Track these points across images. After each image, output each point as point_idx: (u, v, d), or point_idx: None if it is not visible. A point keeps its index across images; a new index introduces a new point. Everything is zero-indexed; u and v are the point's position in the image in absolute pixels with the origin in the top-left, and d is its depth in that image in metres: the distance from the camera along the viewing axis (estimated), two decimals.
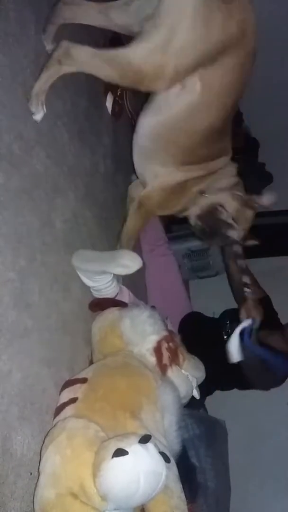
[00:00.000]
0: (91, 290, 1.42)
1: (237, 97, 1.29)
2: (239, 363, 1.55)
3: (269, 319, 1.96)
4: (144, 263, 2.12)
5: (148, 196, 1.55)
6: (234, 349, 1.51)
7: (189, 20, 1.07)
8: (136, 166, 1.54)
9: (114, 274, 1.41)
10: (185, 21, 1.07)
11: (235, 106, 1.34)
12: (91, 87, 1.65)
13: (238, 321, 1.78)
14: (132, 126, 2.29)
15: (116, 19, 1.32)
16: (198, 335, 1.84)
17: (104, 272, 1.34)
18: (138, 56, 1.11)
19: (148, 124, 1.37)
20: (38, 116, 1.16)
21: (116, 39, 1.75)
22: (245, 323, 1.52)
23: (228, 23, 1.10)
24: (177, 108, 1.27)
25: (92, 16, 1.34)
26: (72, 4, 1.31)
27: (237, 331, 1.52)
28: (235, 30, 1.12)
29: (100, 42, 1.75)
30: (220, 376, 1.75)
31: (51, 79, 1.16)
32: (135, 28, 1.27)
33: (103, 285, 1.40)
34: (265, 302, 2.05)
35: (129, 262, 1.29)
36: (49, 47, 1.27)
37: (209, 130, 1.33)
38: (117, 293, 1.49)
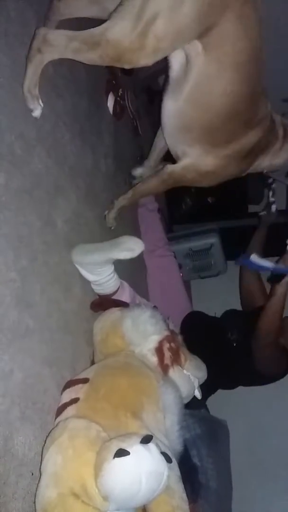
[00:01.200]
0: (92, 285, 1.41)
1: (253, 57, 1.18)
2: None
3: None
4: (145, 264, 2.15)
5: (180, 173, 1.50)
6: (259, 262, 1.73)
7: None
8: (168, 145, 1.49)
9: (114, 269, 1.41)
10: None
11: (257, 69, 1.22)
12: (92, 87, 1.65)
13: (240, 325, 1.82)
14: (133, 127, 2.30)
15: (111, 8, 1.24)
16: (200, 334, 1.84)
17: (107, 263, 1.34)
18: (114, 30, 1.06)
19: (169, 104, 1.32)
20: (37, 112, 1.14)
21: None
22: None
23: None
24: (192, 81, 1.22)
25: (87, 8, 1.31)
26: None
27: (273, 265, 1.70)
28: None
29: None
30: (223, 374, 1.75)
31: (36, 70, 1.12)
32: None
33: (104, 277, 1.39)
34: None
35: (133, 245, 1.29)
36: None
37: (231, 99, 1.24)
38: (118, 287, 1.48)
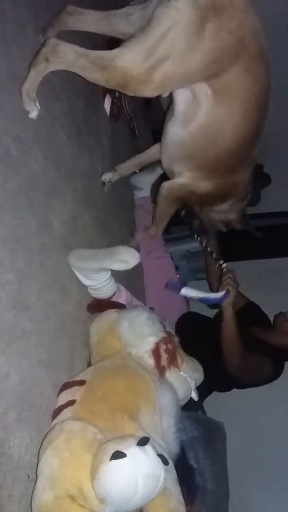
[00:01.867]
0: (89, 289, 1.41)
1: (259, 103, 1.27)
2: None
3: (261, 320, 1.99)
4: (141, 266, 2.15)
5: (177, 189, 1.57)
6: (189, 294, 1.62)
7: (179, 30, 1.08)
8: (164, 164, 1.57)
9: (111, 273, 1.41)
10: (174, 30, 1.08)
11: (263, 112, 1.31)
12: (89, 88, 1.65)
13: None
14: (130, 128, 2.30)
15: (117, 27, 1.35)
16: (194, 335, 1.84)
17: (102, 270, 1.34)
18: (125, 59, 1.11)
19: (175, 133, 1.40)
20: (33, 114, 1.15)
21: (114, 41, 1.75)
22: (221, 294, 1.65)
23: (220, 34, 1.10)
24: (200, 119, 1.29)
25: (94, 24, 1.37)
26: (76, 14, 1.33)
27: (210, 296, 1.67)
28: (228, 39, 1.11)
29: (99, 44, 1.75)
30: (217, 376, 1.75)
31: (39, 76, 1.14)
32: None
33: (100, 283, 1.39)
34: (251, 307, 2.08)
35: (127, 257, 1.28)
36: None
37: (236, 140, 1.33)
38: (115, 292, 1.48)
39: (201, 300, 1.68)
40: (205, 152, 1.39)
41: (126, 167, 1.91)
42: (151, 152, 1.80)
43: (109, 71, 1.12)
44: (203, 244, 1.95)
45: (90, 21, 1.35)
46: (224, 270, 1.75)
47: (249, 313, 2.06)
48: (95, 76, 1.15)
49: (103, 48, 1.77)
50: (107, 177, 1.83)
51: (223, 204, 1.70)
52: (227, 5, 1.09)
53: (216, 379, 1.73)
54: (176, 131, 1.39)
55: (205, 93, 1.23)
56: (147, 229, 1.90)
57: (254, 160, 1.53)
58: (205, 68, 1.15)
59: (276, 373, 1.87)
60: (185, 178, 1.52)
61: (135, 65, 1.11)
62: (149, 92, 1.18)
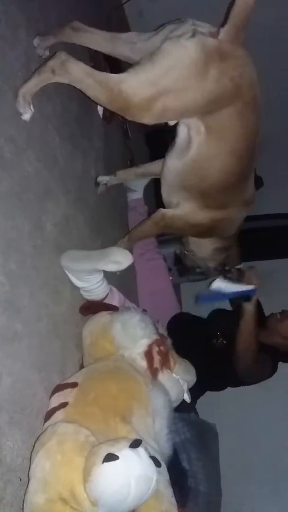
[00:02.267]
0: (81, 291, 1.41)
1: (248, 145, 1.35)
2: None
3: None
4: (134, 268, 2.15)
5: (171, 218, 1.64)
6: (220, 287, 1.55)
7: (185, 69, 1.14)
8: (163, 194, 1.64)
9: (103, 275, 1.41)
10: (180, 68, 1.14)
11: (251, 154, 1.39)
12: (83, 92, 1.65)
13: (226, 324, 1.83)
14: (123, 130, 2.31)
15: (121, 51, 1.39)
16: (187, 334, 1.85)
17: (95, 271, 1.34)
18: (129, 84, 1.15)
19: (172, 164, 1.47)
20: (26, 116, 1.16)
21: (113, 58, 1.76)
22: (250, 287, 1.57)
23: (222, 79, 1.17)
24: (192, 153, 1.36)
25: (98, 44, 1.40)
26: (81, 31, 1.36)
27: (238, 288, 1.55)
28: (229, 85, 1.18)
29: (92, 51, 1.75)
30: (209, 376, 1.76)
31: (40, 84, 1.17)
32: (135, 60, 1.33)
33: (93, 285, 1.39)
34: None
35: (120, 258, 1.29)
36: (41, 53, 1.28)
37: (224, 176, 1.41)
38: (108, 294, 1.49)
39: (233, 294, 1.59)
40: (197, 184, 1.46)
41: (126, 174, 1.94)
42: (154, 167, 1.83)
43: (113, 94, 1.16)
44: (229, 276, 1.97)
45: (94, 39, 1.39)
46: (244, 269, 1.72)
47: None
48: (99, 97, 1.19)
49: (96, 56, 1.78)
50: (104, 179, 1.84)
51: (207, 247, 1.79)
52: (232, 54, 1.17)
53: (209, 379, 1.74)
54: (173, 162, 1.46)
55: (198, 128, 1.29)
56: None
57: (249, 200, 1.60)
58: (202, 106, 1.21)
59: (273, 372, 1.88)
60: (181, 209, 1.58)
61: (137, 92, 1.16)
62: (147, 119, 1.22)
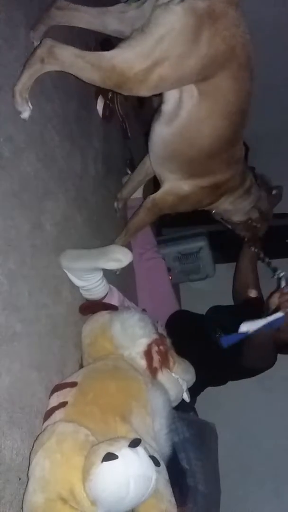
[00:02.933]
0: (81, 290, 1.41)
1: (240, 109, 1.33)
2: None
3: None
4: (133, 267, 2.15)
5: (161, 199, 1.62)
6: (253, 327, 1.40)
7: (177, 35, 1.12)
8: (153, 167, 1.61)
9: (103, 274, 1.41)
10: (172, 35, 1.11)
11: (242, 119, 1.37)
12: (82, 90, 1.65)
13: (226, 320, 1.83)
14: (123, 130, 2.30)
15: (110, 25, 1.35)
16: (185, 331, 1.85)
17: (95, 269, 1.34)
18: (122, 59, 1.13)
19: (159, 132, 1.43)
20: (25, 114, 1.15)
21: (107, 42, 1.75)
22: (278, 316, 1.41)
23: (216, 40, 1.15)
24: (182, 119, 1.33)
25: (86, 21, 1.36)
26: (66, 9, 1.32)
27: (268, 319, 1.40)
28: (223, 46, 1.16)
29: (91, 45, 1.75)
30: (211, 368, 1.76)
31: (33, 77, 1.15)
32: (123, 32, 1.31)
33: (92, 284, 1.39)
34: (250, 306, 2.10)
35: (120, 256, 1.28)
36: (37, 44, 1.27)
37: (215, 140, 1.38)
38: (107, 293, 1.48)
39: (260, 329, 1.41)
40: (185, 151, 1.43)
41: (127, 191, 2.00)
42: (145, 167, 1.83)
43: (106, 71, 1.13)
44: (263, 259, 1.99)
45: (81, 17, 1.34)
46: (283, 287, 1.61)
47: (247, 310, 2.08)
48: (92, 77, 1.16)
49: (95, 49, 1.78)
50: (115, 205, 1.97)
51: (224, 204, 1.73)
52: (223, 15, 1.13)
53: (210, 373, 1.74)
54: (160, 130, 1.42)
55: (191, 93, 1.27)
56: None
57: (239, 159, 1.57)
58: (198, 72, 1.19)
59: (273, 363, 1.85)
60: (167, 184, 1.58)
61: (132, 65, 1.13)
62: (144, 92, 1.21)
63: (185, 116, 1.32)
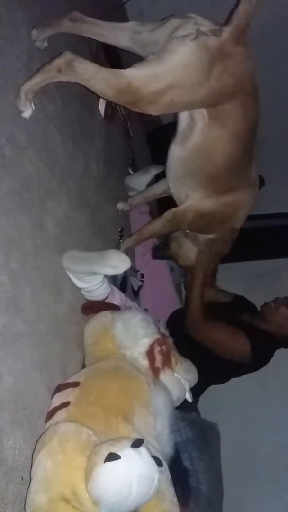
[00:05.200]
0: (82, 291, 1.41)
1: (249, 128, 1.42)
2: None
3: (250, 309, 2.05)
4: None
5: (182, 213, 1.71)
6: None
7: (190, 66, 1.22)
8: (171, 189, 1.70)
9: (104, 275, 1.41)
10: (186, 65, 1.21)
11: (251, 137, 1.47)
12: (84, 90, 1.64)
13: None
14: (125, 129, 2.30)
15: (122, 41, 1.41)
16: (184, 333, 1.85)
17: (93, 273, 1.34)
18: (138, 78, 1.20)
19: (177, 152, 1.52)
20: (27, 114, 1.17)
21: (111, 47, 1.76)
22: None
23: (225, 76, 1.26)
24: (196, 137, 1.43)
25: (98, 34, 1.41)
26: (80, 21, 1.36)
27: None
28: (231, 81, 1.27)
29: (93, 45, 1.75)
30: (212, 366, 1.75)
31: (44, 82, 1.18)
32: (137, 51, 1.39)
33: (93, 286, 1.39)
34: (240, 299, 2.10)
35: (117, 263, 1.29)
36: (40, 45, 1.27)
37: (229, 157, 1.48)
38: (108, 294, 1.48)
39: None
40: (203, 168, 1.53)
41: (137, 200, 2.07)
42: (161, 185, 1.91)
43: (121, 88, 1.20)
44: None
45: (93, 30, 1.40)
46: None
47: (239, 304, 2.12)
48: (107, 92, 1.22)
49: (97, 50, 1.78)
50: (120, 206, 2.02)
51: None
52: (232, 53, 1.24)
53: (212, 371, 1.73)
54: (177, 150, 1.52)
55: (202, 115, 1.37)
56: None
57: (253, 182, 1.68)
58: (206, 100, 1.30)
59: (258, 352, 1.82)
60: (190, 201, 1.66)
61: (147, 86, 1.21)
62: (154, 111, 1.29)
63: (198, 135, 1.42)
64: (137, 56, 1.45)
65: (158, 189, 1.97)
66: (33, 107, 1.17)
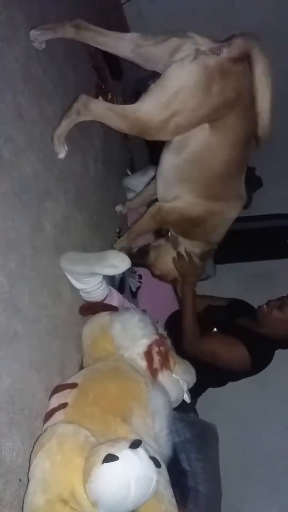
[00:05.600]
0: (81, 292, 1.41)
1: (246, 138, 1.47)
2: None
3: (246, 312, 2.04)
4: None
5: (167, 211, 1.72)
6: None
7: (191, 90, 1.29)
8: (159, 191, 1.72)
9: (103, 277, 1.41)
10: (186, 89, 1.28)
11: (248, 145, 1.51)
12: (82, 91, 1.65)
13: None
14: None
15: (124, 51, 1.43)
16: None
17: (93, 274, 1.34)
18: (144, 112, 1.32)
19: (171, 159, 1.56)
20: (62, 155, 1.35)
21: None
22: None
23: (224, 92, 1.31)
24: (194, 146, 1.47)
25: (101, 42, 1.42)
26: (84, 29, 1.38)
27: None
28: (231, 95, 1.32)
29: (91, 49, 1.76)
30: (209, 370, 1.75)
31: (69, 126, 1.34)
32: (138, 62, 1.44)
33: (92, 287, 1.39)
34: (236, 303, 2.09)
35: (117, 262, 1.29)
36: (38, 47, 1.27)
37: (226, 165, 1.54)
38: (107, 295, 1.49)
39: None
40: (196, 174, 1.57)
41: (135, 203, 2.08)
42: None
43: (131, 121, 1.33)
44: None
45: (97, 38, 1.41)
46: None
47: (235, 308, 2.10)
48: (121, 126, 1.37)
49: (95, 53, 1.78)
50: (118, 208, 2.05)
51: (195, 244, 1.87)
52: (231, 70, 1.29)
53: (209, 374, 1.73)
54: (171, 157, 1.55)
55: (203, 127, 1.41)
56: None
57: (242, 195, 1.72)
58: (210, 116, 1.37)
59: (257, 359, 1.81)
60: (179, 202, 1.67)
61: (152, 117, 1.32)
62: (164, 137, 1.42)
63: (196, 145, 1.46)
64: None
65: (154, 188, 1.94)
66: (67, 149, 1.35)
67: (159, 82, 1.31)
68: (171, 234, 1.90)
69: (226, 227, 1.81)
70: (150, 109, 1.32)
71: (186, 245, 1.87)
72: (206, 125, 1.41)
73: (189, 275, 1.91)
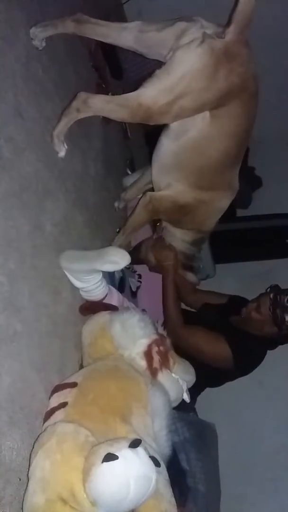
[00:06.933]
0: (80, 291, 1.41)
1: (246, 129, 1.48)
2: None
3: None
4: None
5: (158, 199, 1.71)
6: None
7: (198, 73, 1.28)
8: (153, 176, 1.70)
9: (102, 275, 1.41)
10: (193, 73, 1.27)
11: (247, 137, 1.52)
12: (82, 90, 1.65)
13: None
14: (123, 130, 2.30)
15: (126, 41, 1.42)
16: None
17: (93, 271, 1.34)
18: (147, 97, 1.30)
19: (168, 145, 1.54)
20: (62, 153, 1.35)
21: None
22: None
23: (230, 77, 1.30)
24: (193, 134, 1.45)
25: (102, 34, 1.42)
26: (85, 23, 1.38)
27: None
28: (237, 80, 1.32)
29: (91, 44, 1.76)
30: (207, 369, 1.75)
31: (69, 124, 1.33)
32: (141, 51, 1.42)
33: (92, 285, 1.39)
34: (235, 302, 2.09)
35: (117, 258, 1.29)
36: (38, 44, 1.27)
37: (222, 156, 1.52)
38: (106, 294, 1.49)
39: None
40: (192, 161, 1.55)
41: (129, 194, 2.06)
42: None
43: (134, 109, 1.31)
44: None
45: (97, 30, 1.41)
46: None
47: (233, 305, 2.06)
48: (122, 115, 1.36)
49: (95, 48, 1.78)
50: (116, 203, 2.03)
51: (177, 238, 1.88)
52: (237, 53, 1.29)
53: (207, 374, 1.73)
54: (169, 143, 1.53)
55: (203, 115, 1.40)
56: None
57: (234, 187, 1.71)
58: (215, 102, 1.35)
59: (240, 358, 1.78)
60: (171, 190, 1.66)
61: (156, 101, 1.30)
62: (167, 120, 1.41)
63: (195, 133, 1.44)
64: (136, 55, 1.46)
65: (147, 177, 1.93)
66: (66, 147, 1.34)
67: (165, 66, 1.29)
68: (158, 225, 1.91)
69: (217, 217, 1.80)
70: (154, 93, 1.30)
71: (177, 234, 1.87)
72: (207, 113, 1.40)
73: (167, 262, 1.93)
